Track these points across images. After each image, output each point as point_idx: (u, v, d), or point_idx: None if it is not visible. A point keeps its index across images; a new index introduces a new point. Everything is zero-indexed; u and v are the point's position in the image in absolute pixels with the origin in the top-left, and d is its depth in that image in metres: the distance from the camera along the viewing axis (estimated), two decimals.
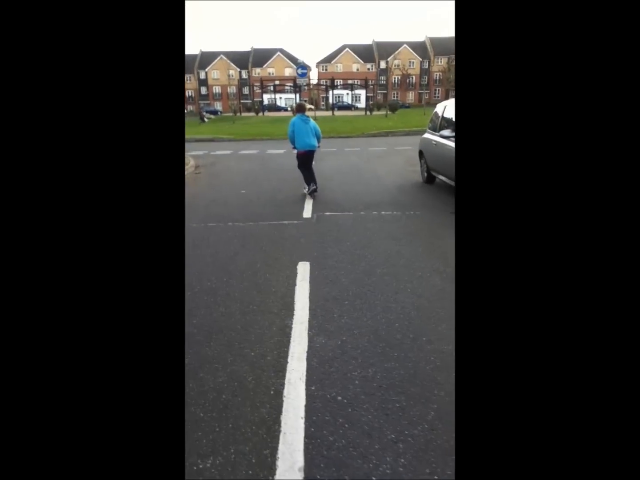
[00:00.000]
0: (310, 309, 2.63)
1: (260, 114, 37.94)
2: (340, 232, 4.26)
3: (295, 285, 3.01)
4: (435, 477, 1.45)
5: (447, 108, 5.99)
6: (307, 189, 6.03)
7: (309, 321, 2.49)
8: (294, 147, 5.93)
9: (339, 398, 1.83)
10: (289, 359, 2.12)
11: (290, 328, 2.42)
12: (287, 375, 1.99)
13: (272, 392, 1.88)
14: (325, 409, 1.77)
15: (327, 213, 5.03)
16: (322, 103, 50.58)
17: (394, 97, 56.19)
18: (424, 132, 7.03)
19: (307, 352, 2.18)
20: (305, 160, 5.91)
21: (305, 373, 2.00)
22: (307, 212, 5.11)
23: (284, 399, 1.84)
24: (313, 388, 1.90)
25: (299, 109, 5.92)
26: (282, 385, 1.93)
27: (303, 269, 3.29)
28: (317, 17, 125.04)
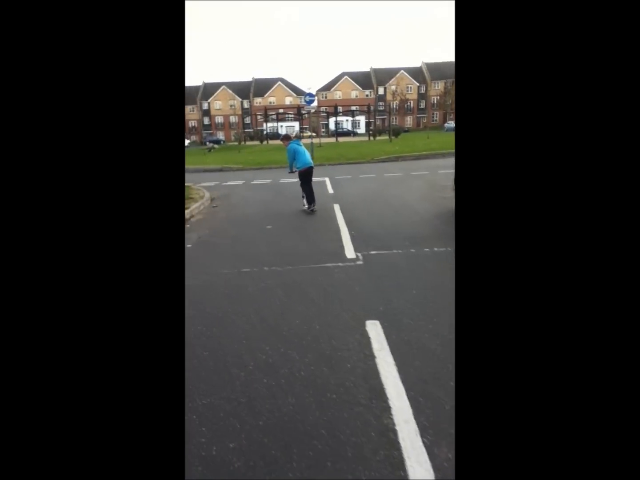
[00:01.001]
0: (409, 397, 2.00)
1: (265, 142, 38.06)
2: (398, 277, 3.66)
3: (374, 357, 2.38)
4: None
5: None
6: (307, 207, 6.86)
7: (415, 419, 1.85)
8: (292, 171, 6.91)
9: None
10: None
11: (394, 432, 1.78)
12: None
13: None
14: None
15: (373, 252, 4.43)
16: (323, 130, 51.04)
17: (393, 122, 56.84)
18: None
19: (435, 477, 1.54)
20: (306, 177, 6.77)
21: None
22: (349, 250, 4.52)
23: None
24: None
25: (289, 138, 7.16)
26: None
27: (375, 332, 2.67)
28: (316, 46, 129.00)
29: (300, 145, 6.87)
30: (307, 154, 6.81)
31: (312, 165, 6.85)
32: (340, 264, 4.10)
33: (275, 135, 45.70)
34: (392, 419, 1.86)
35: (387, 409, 1.93)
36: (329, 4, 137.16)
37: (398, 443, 1.72)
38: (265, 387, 2.15)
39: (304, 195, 6.90)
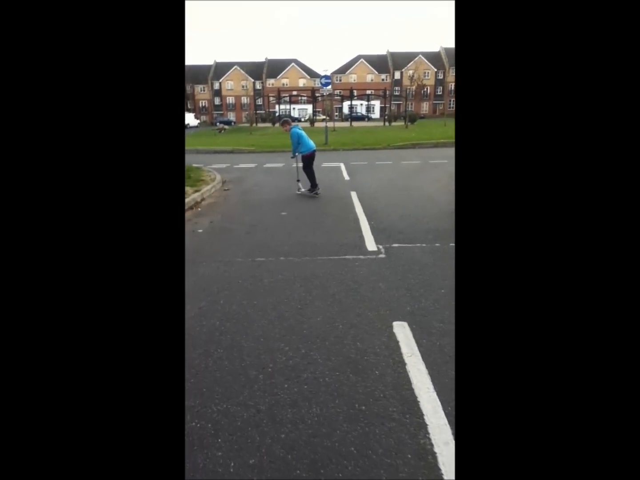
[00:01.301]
0: (446, 414, 1.80)
1: (277, 124, 37.52)
2: (425, 274, 3.44)
3: (404, 364, 2.19)
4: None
5: None
6: (310, 191, 6.99)
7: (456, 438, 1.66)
8: (294, 156, 7.13)
9: None
10: None
11: (434, 454, 1.59)
12: None
13: None
14: None
15: (396, 245, 4.21)
16: (336, 114, 50.16)
17: (408, 107, 55.61)
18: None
19: None
20: (311, 160, 7.01)
21: None
22: (370, 242, 4.30)
23: None
24: None
25: (289, 122, 7.21)
26: None
27: (404, 335, 2.47)
28: (334, 29, 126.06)
29: (301, 129, 7.10)
30: (309, 138, 7.12)
31: (315, 148, 7.16)
32: (361, 257, 3.89)
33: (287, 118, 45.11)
34: (429, 439, 1.67)
35: (422, 426, 1.74)
36: (329, 4, 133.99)
37: (439, 469, 1.53)
38: (286, 394, 1.97)
39: (299, 179, 7.26)
